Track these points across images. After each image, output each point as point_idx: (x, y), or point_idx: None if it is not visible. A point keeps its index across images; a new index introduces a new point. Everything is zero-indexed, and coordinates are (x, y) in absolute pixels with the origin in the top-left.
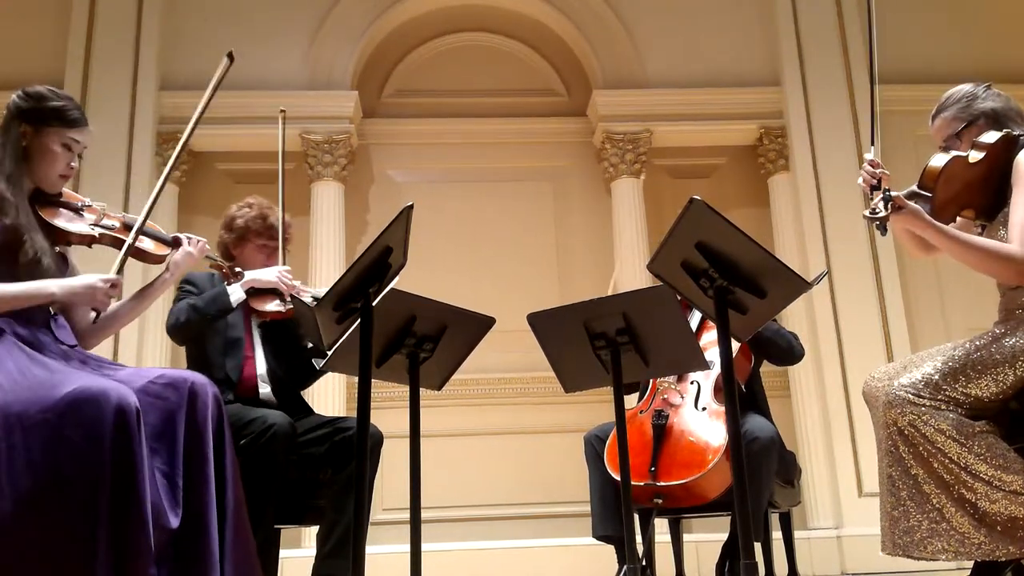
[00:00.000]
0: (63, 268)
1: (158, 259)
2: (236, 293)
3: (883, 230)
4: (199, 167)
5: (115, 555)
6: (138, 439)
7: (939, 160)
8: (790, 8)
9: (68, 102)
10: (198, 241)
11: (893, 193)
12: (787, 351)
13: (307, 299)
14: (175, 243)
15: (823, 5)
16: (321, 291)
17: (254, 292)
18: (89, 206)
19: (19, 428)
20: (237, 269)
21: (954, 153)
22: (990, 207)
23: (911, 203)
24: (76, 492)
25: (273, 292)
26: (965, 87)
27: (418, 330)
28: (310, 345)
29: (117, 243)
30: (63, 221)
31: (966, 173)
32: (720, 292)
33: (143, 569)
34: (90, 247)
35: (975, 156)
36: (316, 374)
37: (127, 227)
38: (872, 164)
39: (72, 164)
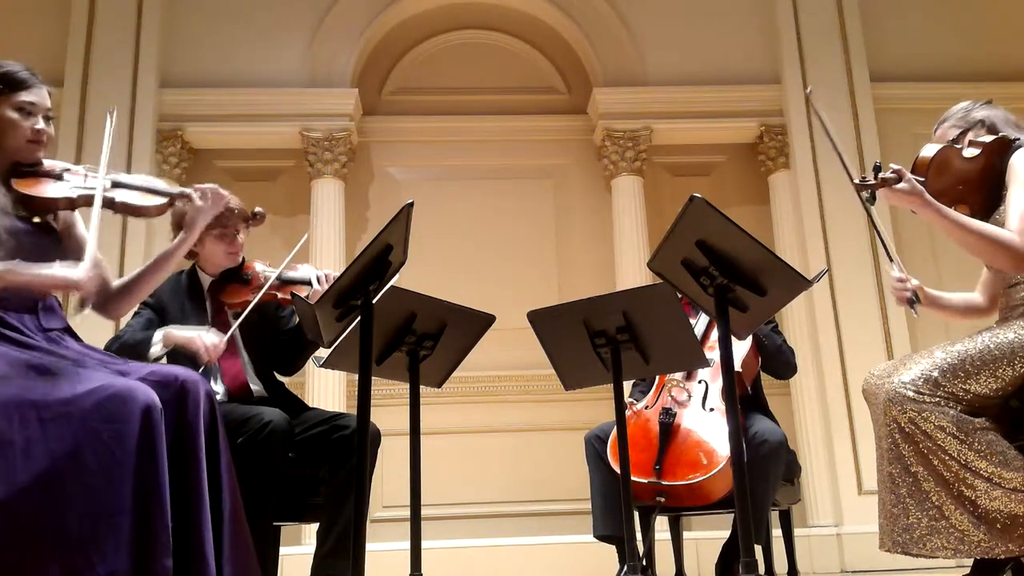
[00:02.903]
0: (45, 239)
1: (150, 211)
2: (156, 348)
3: (871, 199)
4: (198, 164)
5: (136, 544)
6: (160, 437)
7: (929, 150)
8: (790, 5)
9: (12, 66)
10: (207, 191)
11: (892, 167)
12: (784, 369)
13: (259, 268)
14: (181, 198)
15: (824, 2)
16: (293, 272)
17: (222, 284)
18: (68, 169)
19: (36, 420)
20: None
21: (946, 143)
22: (984, 208)
23: (912, 177)
24: (97, 480)
25: (242, 280)
26: (964, 103)
27: (418, 328)
28: (291, 326)
29: (102, 202)
30: (40, 190)
31: (959, 166)
32: (720, 290)
33: (160, 560)
34: (73, 210)
35: (970, 152)
36: (303, 352)
37: (112, 185)
38: (901, 280)
39: (38, 127)
